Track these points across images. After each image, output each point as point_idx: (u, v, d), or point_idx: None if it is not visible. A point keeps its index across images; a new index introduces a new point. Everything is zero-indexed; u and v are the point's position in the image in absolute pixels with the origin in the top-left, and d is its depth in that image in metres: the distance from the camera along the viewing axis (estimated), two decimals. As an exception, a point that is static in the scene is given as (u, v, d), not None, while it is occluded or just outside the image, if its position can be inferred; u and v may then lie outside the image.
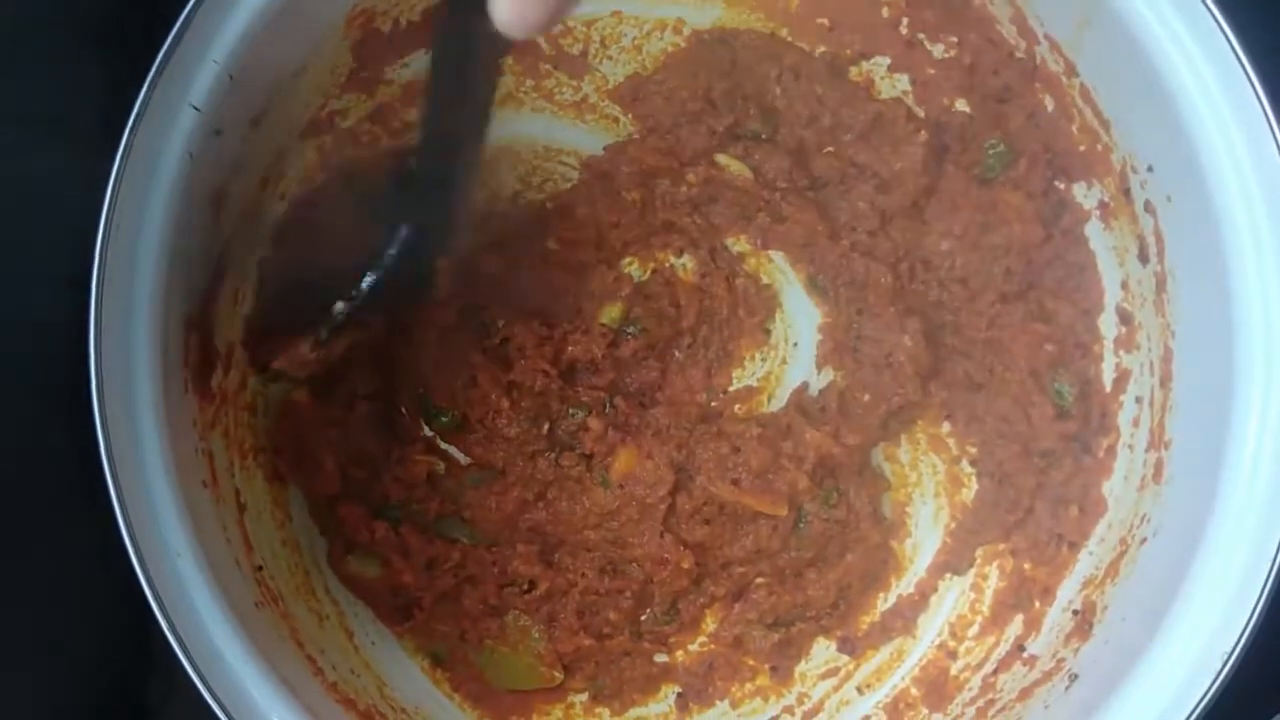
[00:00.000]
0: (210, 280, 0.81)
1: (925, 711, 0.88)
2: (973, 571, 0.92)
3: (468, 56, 0.67)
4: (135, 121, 0.71)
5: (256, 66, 0.77)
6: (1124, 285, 0.86)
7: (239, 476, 0.84)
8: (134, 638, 0.90)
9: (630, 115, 0.96)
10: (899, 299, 0.91)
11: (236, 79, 0.75)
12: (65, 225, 0.73)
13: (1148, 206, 0.81)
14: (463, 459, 0.93)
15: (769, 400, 0.95)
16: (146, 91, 0.71)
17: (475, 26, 0.59)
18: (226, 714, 0.68)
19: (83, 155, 0.73)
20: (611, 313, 0.94)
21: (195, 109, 0.73)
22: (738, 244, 0.96)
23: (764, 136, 0.93)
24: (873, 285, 0.92)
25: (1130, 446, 0.85)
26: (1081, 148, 0.86)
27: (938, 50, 0.92)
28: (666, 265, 0.96)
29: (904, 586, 0.93)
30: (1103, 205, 0.86)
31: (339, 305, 0.81)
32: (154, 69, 0.71)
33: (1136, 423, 0.85)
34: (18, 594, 0.78)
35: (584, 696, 0.91)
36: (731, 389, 0.96)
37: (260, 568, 0.82)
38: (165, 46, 0.71)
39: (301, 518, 0.90)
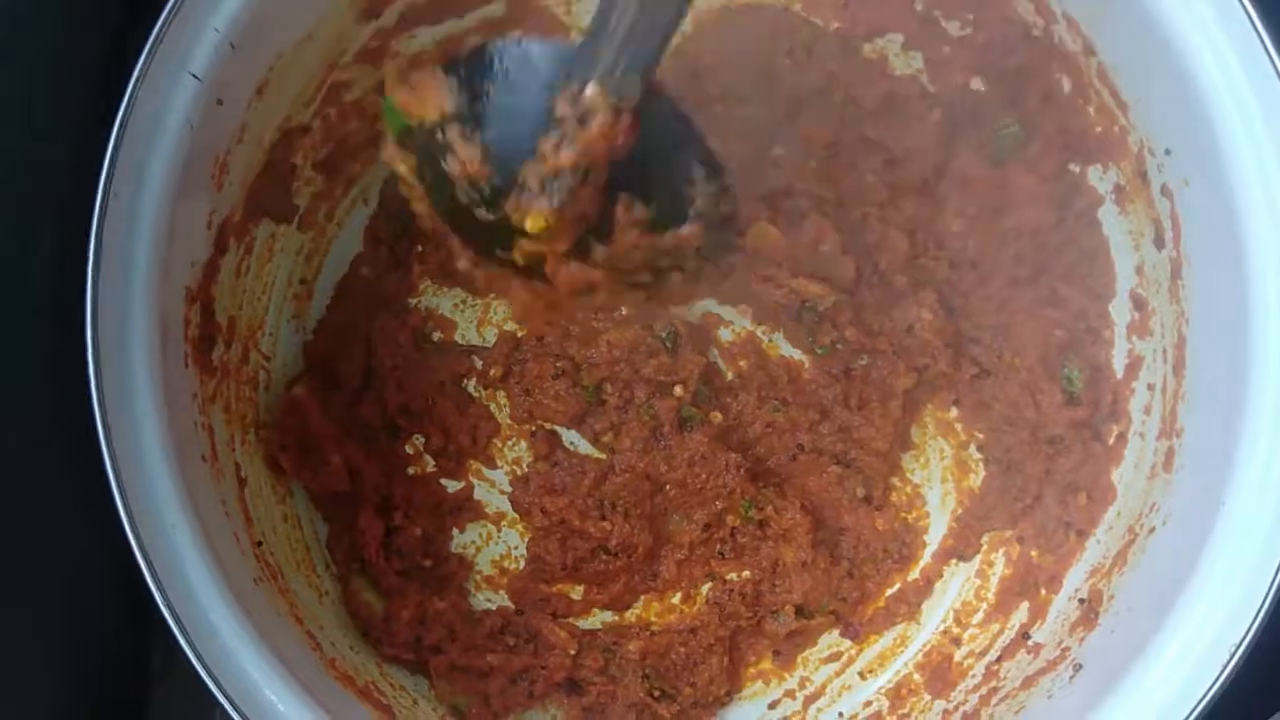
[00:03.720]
0: (212, 252, 0.80)
1: (928, 698, 0.87)
2: (979, 558, 0.91)
3: None
4: (134, 90, 0.70)
5: (259, 35, 0.76)
6: (1139, 270, 0.85)
7: (240, 451, 0.83)
8: (135, 610, 0.90)
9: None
10: (911, 269, 0.90)
11: (238, 48, 0.74)
12: (62, 193, 0.72)
13: (1164, 190, 0.79)
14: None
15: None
16: (145, 60, 0.70)
17: None
18: (221, 690, 0.68)
19: (80, 125, 0.72)
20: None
21: (195, 78, 0.72)
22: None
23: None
24: (887, 251, 0.91)
25: (1141, 434, 0.83)
26: (1098, 129, 0.84)
27: (953, 28, 0.90)
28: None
29: (909, 572, 0.92)
30: (1118, 189, 0.85)
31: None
32: (152, 37, 0.70)
33: (1148, 410, 0.83)
34: (15, 567, 0.78)
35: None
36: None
37: (260, 543, 0.81)
38: (164, 14, 0.70)
39: (303, 492, 0.90)
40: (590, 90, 0.59)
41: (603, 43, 0.58)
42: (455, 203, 0.66)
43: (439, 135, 0.64)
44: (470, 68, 0.63)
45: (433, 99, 0.63)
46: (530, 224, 0.62)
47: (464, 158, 0.63)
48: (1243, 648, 0.68)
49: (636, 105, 0.59)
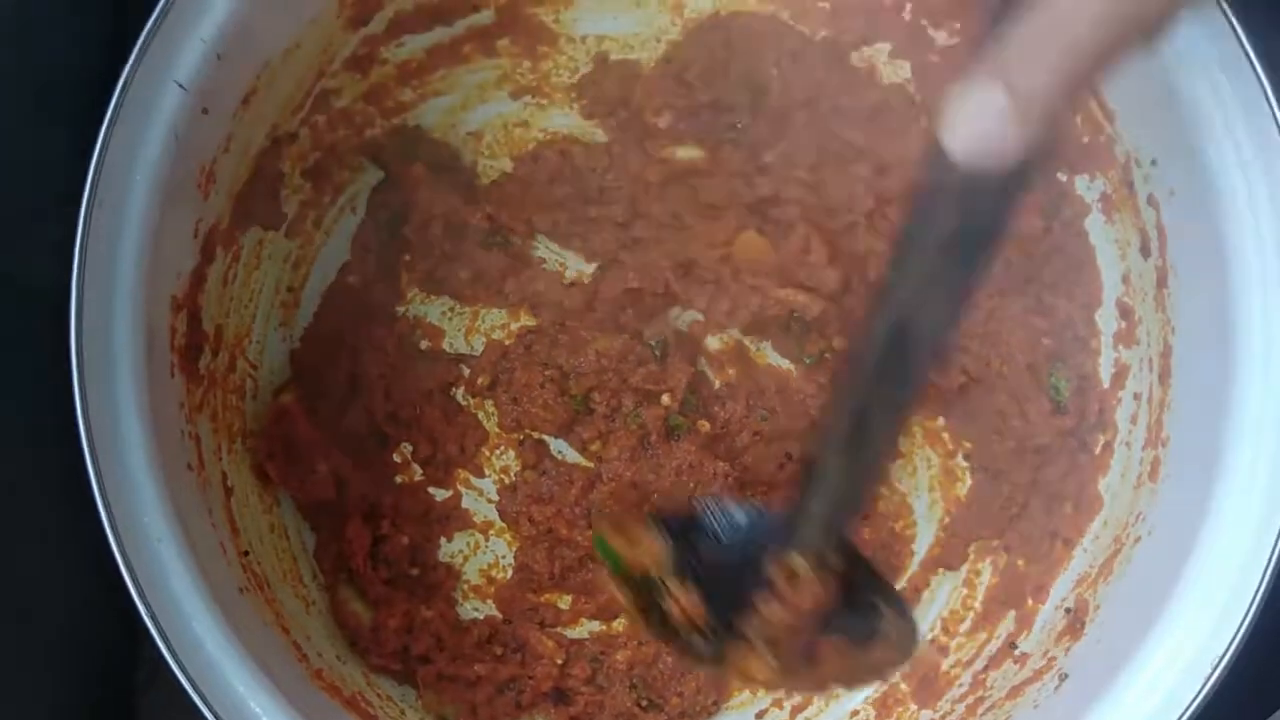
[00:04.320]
0: (199, 260, 0.80)
1: (914, 708, 0.87)
2: (965, 567, 0.91)
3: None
4: (118, 100, 0.70)
5: (245, 45, 0.76)
6: (1125, 279, 0.85)
7: (226, 460, 0.83)
8: (122, 618, 0.90)
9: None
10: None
11: (224, 57, 0.74)
12: (48, 200, 0.72)
13: (1150, 200, 0.79)
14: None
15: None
16: (130, 70, 0.70)
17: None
18: (205, 702, 0.68)
19: (66, 137, 0.72)
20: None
21: (181, 87, 0.72)
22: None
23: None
24: (875, 260, 0.91)
25: (1127, 444, 0.84)
26: (1085, 139, 0.84)
27: (941, 37, 0.90)
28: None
29: (897, 581, 0.92)
30: (1105, 198, 0.85)
31: None
32: (138, 46, 0.70)
33: (1134, 420, 0.83)
34: (3, 571, 0.77)
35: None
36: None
37: (246, 553, 0.81)
38: (150, 23, 0.70)
39: (290, 502, 0.90)
40: (797, 560, 0.64)
41: (807, 516, 0.62)
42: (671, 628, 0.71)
43: (658, 581, 0.69)
44: (680, 524, 0.70)
45: (650, 554, 0.68)
46: (755, 672, 0.67)
47: (685, 605, 0.68)
48: (1227, 658, 0.68)
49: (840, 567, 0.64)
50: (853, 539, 0.68)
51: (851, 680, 0.71)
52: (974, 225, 0.48)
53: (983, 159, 0.44)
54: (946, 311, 0.51)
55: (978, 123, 0.43)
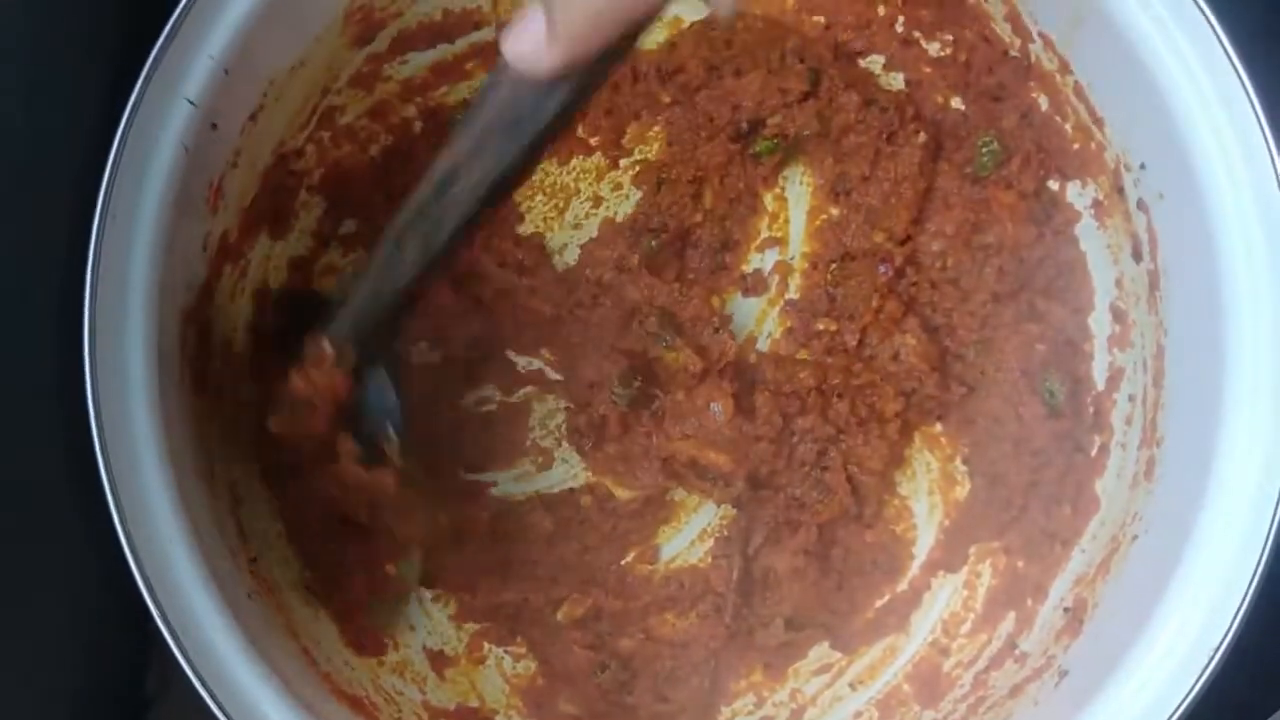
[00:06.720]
0: (209, 273, 0.82)
1: (917, 708, 0.88)
2: (966, 569, 0.91)
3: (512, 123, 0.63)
4: (130, 115, 0.71)
5: (252, 61, 0.78)
6: (1118, 283, 0.86)
7: (236, 469, 0.84)
8: (132, 628, 0.91)
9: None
10: (892, 295, 0.91)
11: (232, 73, 0.76)
12: (59, 215, 0.73)
13: (1140, 204, 0.81)
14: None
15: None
16: (141, 86, 0.71)
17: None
18: (217, 703, 0.69)
19: (79, 151, 0.74)
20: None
21: (190, 103, 0.74)
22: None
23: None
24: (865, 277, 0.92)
25: (1123, 444, 0.85)
26: (1075, 146, 0.86)
27: (933, 48, 0.92)
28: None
29: (898, 584, 0.93)
30: (1096, 203, 0.86)
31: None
32: (148, 64, 0.72)
33: (1129, 421, 0.84)
34: (12, 584, 0.78)
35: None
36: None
37: (255, 559, 0.82)
38: (160, 41, 0.72)
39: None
40: (323, 340, 0.76)
41: (342, 311, 0.76)
42: None
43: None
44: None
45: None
46: (271, 426, 0.80)
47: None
48: (1221, 651, 0.69)
49: (353, 365, 0.76)
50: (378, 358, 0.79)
51: (355, 491, 0.81)
52: (516, 116, 0.62)
53: (524, 65, 0.58)
54: (485, 179, 0.65)
55: (524, 37, 0.58)
